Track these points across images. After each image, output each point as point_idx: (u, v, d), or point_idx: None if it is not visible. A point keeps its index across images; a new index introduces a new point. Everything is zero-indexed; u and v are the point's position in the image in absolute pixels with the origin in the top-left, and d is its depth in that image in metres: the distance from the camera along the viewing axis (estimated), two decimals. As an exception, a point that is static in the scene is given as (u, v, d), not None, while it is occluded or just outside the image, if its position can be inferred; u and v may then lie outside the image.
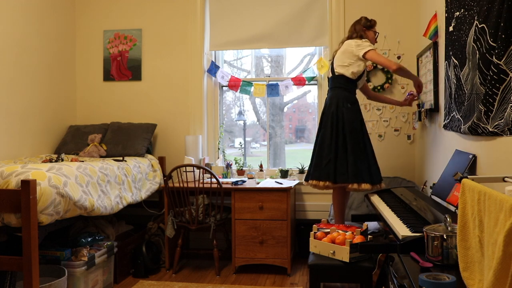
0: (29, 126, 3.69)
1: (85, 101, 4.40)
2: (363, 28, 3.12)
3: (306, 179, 3.17)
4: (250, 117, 4.68)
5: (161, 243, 3.85)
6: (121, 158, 3.50)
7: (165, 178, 3.60)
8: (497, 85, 1.79)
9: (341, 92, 3.04)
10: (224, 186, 3.57)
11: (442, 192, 2.34)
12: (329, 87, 3.17)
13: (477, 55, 2.03)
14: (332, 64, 3.15)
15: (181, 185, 3.57)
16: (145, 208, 3.88)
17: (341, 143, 2.96)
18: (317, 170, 3.02)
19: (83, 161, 3.08)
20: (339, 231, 2.82)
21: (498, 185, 1.66)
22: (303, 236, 3.86)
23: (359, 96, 3.88)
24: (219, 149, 4.28)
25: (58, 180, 2.52)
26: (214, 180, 3.50)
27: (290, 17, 4.06)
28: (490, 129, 1.90)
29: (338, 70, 3.05)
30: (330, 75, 3.16)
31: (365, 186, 2.95)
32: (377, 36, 3.22)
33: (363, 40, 3.04)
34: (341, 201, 3.16)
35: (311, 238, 2.82)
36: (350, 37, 3.12)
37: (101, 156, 3.78)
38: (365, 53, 2.96)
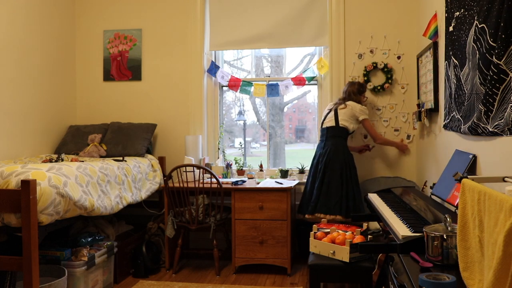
0: (29, 126, 3.69)
1: (85, 101, 4.40)
2: (358, 95, 3.65)
3: (312, 213, 3.45)
4: (250, 117, 4.68)
5: (161, 243, 3.85)
6: (121, 158, 3.50)
7: (165, 178, 3.60)
8: (497, 85, 1.79)
9: (343, 141, 3.59)
10: (224, 186, 3.57)
11: (442, 192, 2.34)
12: (330, 134, 3.59)
13: (477, 55, 2.03)
14: (336, 116, 3.58)
15: (181, 185, 3.57)
16: (145, 208, 3.88)
17: (348, 184, 3.46)
18: (325, 205, 3.42)
19: (83, 161, 3.08)
20: (339, 231, 2.82)
21: (498, 185, 1.66)
22: (303, 236, 3.86)
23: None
24: (219, 149, 4.28)
25: (58, 180, 2.52)
26: (214, 180, 3.50)
27: (290, 17, 4.06)
28: (490, 129, 1.90)
29: (343, 123, 3.56)
30: (327, 125, 3.60)
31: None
32: (366, 100, 3.83)
33: (365, 107, 3.64)
34: None
35: (311, 238, 2.82)
36: (351, 97, 3.63)
37: (101, 156, 3.78)
38: (363, 119, 3.59)
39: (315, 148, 3.75)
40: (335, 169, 3.44)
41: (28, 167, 2.51)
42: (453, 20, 2.48)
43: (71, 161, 3.12)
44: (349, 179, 3.45)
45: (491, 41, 1.85)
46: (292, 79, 4.11)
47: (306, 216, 3.50)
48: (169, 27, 4.24)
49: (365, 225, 2.88)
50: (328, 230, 2.85)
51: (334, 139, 3.55)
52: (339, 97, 3.74)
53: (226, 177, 4.04)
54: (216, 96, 4.33)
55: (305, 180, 3.98)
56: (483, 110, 1.92)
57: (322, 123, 3.67)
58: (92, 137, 3.87)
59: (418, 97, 3.62)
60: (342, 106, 3.59)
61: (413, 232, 1.90)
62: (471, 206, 1.40)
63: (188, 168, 3.69)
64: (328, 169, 3.46)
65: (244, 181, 3.74)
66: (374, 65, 3.86)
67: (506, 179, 1.56)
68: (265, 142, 4.44)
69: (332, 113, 3.60)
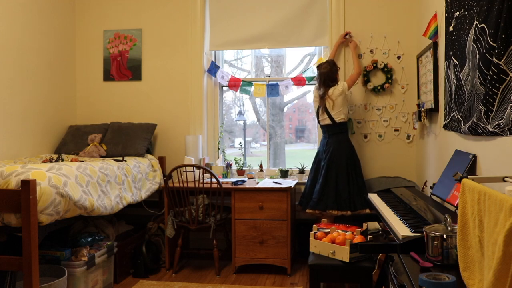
0: (29, 126, 3.69)
1: (85, 101, 4.40)
2: (334, 75, 3.62)
3: (324, 209, 3.45)
4: (250, 117, 4.68)
5: (161, 243, 3.85)
6: (121, 158, 3.50)
7: (165, 178, 3.60)
8: (497, 85, 1.79)
9: (345, 136, 3.61)
10: (224, 186, 3.57)
11: (442, 192, 2.34)
12: (330, 132, 3.59)
13: (477, 55, 2.03)
14: (329, 114, 3.55)
15: (181, 185, 3.57)
16: (145, 208, 3.88)
17: (354, 179, 3.50)
18: (336, 202, 3.43)
19: (83, 161, 3.08)
20: (339, 231, 2.82)
21: (498, 185, 1.66)
22: (303, 236, 3.86)
23: (359, 97, 3.89)
24: (219, 149, 4.28)
25: (58, 180, 2.52)
26: (214, 180, 3.50)
27: (290, 17, 4.06)
28: (490, 129, 1.90)
29: (338, 118, 3.55)
30: (325, 123, 3.60)
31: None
32: (339, 70, 3.76)
33: (340, 84, 3.60)
34: None
35: (311, 238, 2.82)
36: (325, 85, 3.58)
37: (101, 156, 3.77)
38: (348, 87, 3.60)
39: (315, 147, 3.76)
40: (341, 166, 3.47)
41: (28, 167, 2.51)
42: (453, 20, 2.48)
43: (71, 161, 3.12)
44: (355, 174, 3.50)
45: (491, 41, 1.85)
46: (292, 79, 4.11)
47: (308, 211, 3.52)
48: (169, 27, 4.24)
49: (365, 225, 2.88)
50: (328, 230, 2.85)
51: (336, 136, 3.57)
52: (317, 83, 3.67)
53: (226, 177, 4.04)
54: (216, 96, 4.33)
55: (305, 180, 3.99)
56: (483, 110, 1.92)
57: (318, 120, 3.67)
58: (92, 137, 3.87)
59: (418, 97, 3.62)
60: (327, 101, 3.55)
61: (413, 232, 1.90)
62: (471, 206, 1.40)
63: (188, 168, 3.69)
64: (333, 166, 3.48)
65: (244, 181, 3.74)
66: (374, 65, 3.86)
67: (506, 179, 1.56)
68: (265, 142, 4.44)
69: (324, 111, 3.57)
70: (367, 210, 3.45)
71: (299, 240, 3.93)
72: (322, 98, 3.58)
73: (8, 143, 3.45)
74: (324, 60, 4.01)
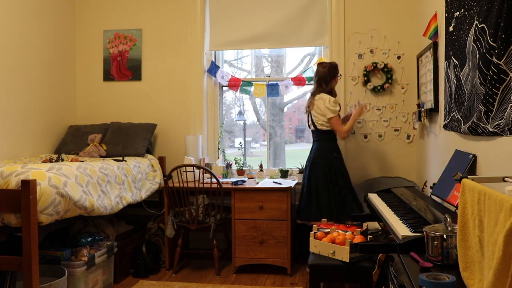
0: (29, 126, 3.69)
1: (85, 101, 4.40)
2: (330, 80, 3.50)
3: (308, 219, 3.45)
4: (250, 117, 4.68)
5: (161, 243, 3.85)
6: (121, 158, 3.50)
7: (165, 178, 3.60)
8: (497, 85, 1.79)
9: (328, 143, 3.51)
10: (224, 186, 3.57)
11: (442, 192, 2.34)
12: (315, 138, 3.57)
13: (477, 55, 2.03)
14: (311, 119, 3.52)
15: (181, 185, 3.57)
16: (145, 208, 3.88)
17: (335, 187, 3.42)
18: (318, 211, 3.40)
19: (83, 161, 3.08)
20: (339, 231, 2.82)
21: (498, 185, 1.66)
22: (303, 236, 3.85)
23: (359, 97, 3.89)
24: (219, 149, 4.28)
25: (58, 180, 2.52)
26: (214, 180, 3.50)
27: (290, 17, 4.06)
28: (490, 129, 1.90)
29: (320, 127, 3.49)
30: (311, 128, 3.58)
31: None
32: (340, 78, 3.62)
33: (334, 103, 3.42)
34: None
35: (311, 238, 2.82)
36: (317, 90, 3.50)
37: (101, 156, 3.77)
38: (330, 119, 3.43)
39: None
40: (319, 174, 3.43)
41: (28, 167, 2.51)
42: (453, 20, 2.48)
43: (71, 161, 3.12)
44: (335, 182, 3.40)
45: (491, 41, 1.85)
46: (292, 79, 4.11)
47: (298, 221, 3.57)
48: (169, 27, 4.24)
49: (365, 225, 2.88)
50: (328, 230, 2.85)
51: (319, 142, 3.53)
52: (313, 86, 3.60)
53: (226, 177, 4.04)
54: (216, 96, 4.33)
55: (305, 180, 3.99)
56: (483, 110, 1.92)
57: (308, 125, 3.64)
58: (92, 137, 3.87)
59: (418, 97, 3.62)
60: (312, 105, 3.49)
61: (413, 232, 1.90)
62: (471, 206, 1.40)
63: (188, 168, 3.69)
64: (313, 174, 3.45)
65: (244, 181, 3.74)
66: (374, 65, 3.86)
67: (506, 179, 1.56)
68: (265, 142, 4.44)
69: (310, 116, 3.55)
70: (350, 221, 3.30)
71: (299, 240, 3.93)
72: (309, 102, 3.54)
73: (8, 143, 3.45)
74: (324, 60, 4.02)
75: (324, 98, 3.44)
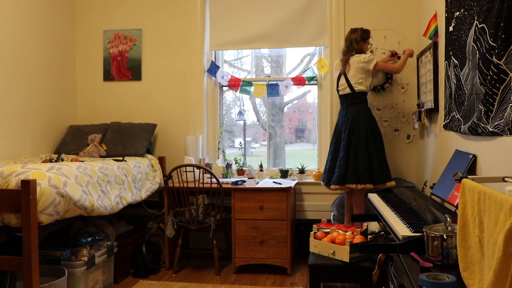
0: (29, 126, 3.69)
1: (85, 101, 4.40)
2: (361, 42, 3.44)
3: (342, 183, 3.30)
4: (250, 117, 4.68)
5: (161, 243, 3.85)
6: (121, 158, 3.50)
7: (165, 178, 3.60)
8: (497, 85, 1.79)
9: (364, 106, 3.44)
10: (224, 186, 3.57)
11: (442, 192, 2.34)
12: (349, 102, 3.43)
13: (477, 55, 2.03)
14: (348, 82, 3.40)
15: (181, 185, 3.57)
16: (145, 208, 3.88)
17: (374, 151, 3.32)
18: (354, 175, 3.27)
19: (83, 161, 3.08)
20: (339, 231, 2.82)
21: (498, 185, 1.66)
22: (303, 236, 3.86)
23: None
24: (219, 149, 4.28)
25: (58, 180, 2.52)
26: (214, 180, 3.50)
27: (290, 17, 4.06)
28: (490, 129, 1.90)
29: (358, 87, 3.38)
30: (344, 92, 3.44)
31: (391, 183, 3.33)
32: (370, 47, 3.63)
33: (368, 55, 3.39)
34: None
35: (311, 238, 2.82)
36: (349, 52, 3.42)
37: (101, 156, 3.77)
38: (375, 66, 3.36)
39: (315, 147, 3.74)
40: (360, 137, 3.31)
41: (28, 167, 2.51)
42: (453, 20, 2.48)
43: (71, 161, 3.12)
44: (375, 146, 3.32)
45: (491, 41, 1.85)
46: (292, 79, 4.11)
47: (332, 186, 3.37)
48: (169, 27, 4.24)
49: (365, 225, 2.88)
50: (328, 230, 2.85)
51: (355, 106, 3.41)
52: (343, 49, 3.53)
53: (226, 177, 4.04)
54: (216, 96, 4.33)
55: (305, 180, 3.99)
56: (483, 110, 1.92)
57: (337, 90, 3.51)
58: (92, 137, 3.87)
59: (418, 97, 3.62)
60: (348, 69, 3.40)
61: (413, 232, 1.90)
62: (471, 206, 1.40)
63: (188, 168, 3.69)
64: (353, 138, 3.33)
65: (244, 181, 3.74)
66: (374, 65, 3.85)
67: (506, 179, 1.56)
68: (265, 142, 4.44)
69: (343, 79, 3.42)
70: (391, 183, 3.30)
71: (299, 240, 3.93)
72: (343, 65, 3.44)
73: (8, 143, 3.45)
74: (324, 60, 4.02)
75: (359, 56, 3.39)
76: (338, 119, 3.52)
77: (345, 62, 3.43)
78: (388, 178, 3.32)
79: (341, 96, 3.50)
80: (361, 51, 3.43)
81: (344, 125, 3.40)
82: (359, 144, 3.30)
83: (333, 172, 3.38)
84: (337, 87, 3.50)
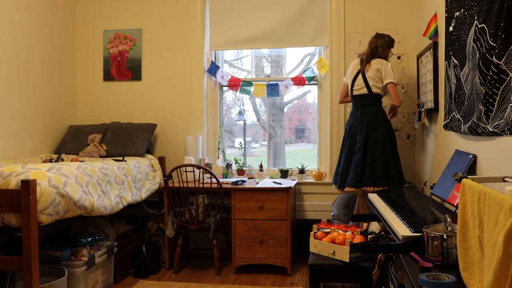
0: (29, 126, 3.69)
1: (85, 101, 4.40)
2: (386, 49, 3.39)
3: (358, 186, 3.24)
4: (250, 117, 4.68)
5: (161, 243, 3.85)
6: (121, 158, 3.50)
7: (165, 178, 3.60)
8: (497, 85, 1.79)
9: (380, 108, 3.38)
10: (224, 186, 3.57)
11: (442, 192, 2.34)
12: (364, 103, 3.35)
13: (477, 55, 2.03)
14: (366, 82, 3.32)
15: (181, 185, 3.57)
16: (145, 208, 3.88)
17: (390, 152, 3.29)
18: (371, 178, 3.22)
19: (83, 161, 3.08)
20: (339, 231, 2.82)
21: (498, 185, 1.66)
22: (303, 236, 3.86)
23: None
24: (219, 149, 4.28)
25: (58, 180, 2.52)
26: (214, 180, 3.50)
27: (290, 17, 4.06)
28: (490, 129, 1.90)
29: (375, 90, 3.32)
30: (360, 92, 3.35)
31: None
32: (391, 56, 3.55)
33: (395, 71, 3.31)
34: None
35: (311, 238, 2.82)
36: (373, 57, 3.35)
37: (101, 156, 3.78)
38: (390, 82, 3.27)
39: (315, 147, 3.73)
40: (378, 139, 3.25)
41: (28, 167, 2.51)
42: (453, 20, 2.48)
43: (71, 161, 3.12)
44: (391, 149, 3.28)
45: (491, 41, 1.85)
46: (292, 79, 4.11)
47: (347, 189, 3.29)
48: (169, 27, 4.24)
49: (365, 225, 2.88)
50: (328, 230, 2.85)
51: (371, 107, 3.33)
52: (363, 52, 3.44)
53: (226, 177, 4.04)
54: (216, 96, 4.33)
55: (305, 180, 3.99)
56: (483, 110, 1.92)
57: (352, 89, 3.41)
58: (92, 137, 3.87)
59: (418, 97, 3.62)
60: (368, 67, 3.32)
61: (413, 232, 1.90)
62: (471, 206, 1.40)
63: (188, 168, 3.69)
64: (370, 140, 3.26)
65: (244, 181, 3.74)
66: (374, 65, 3.85)
67: (506, 179, 1.56)
68: (265, 142, 4.44)
69: (361, 78, 3.35)
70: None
71: (299, 240, 3.93)
72: (363, 64, 3.36)
73: (8, 143, 3.45)
74: (324, 60, 4.02)
75: (384, 62, 3.32)
76: (351, 120, 3.42)
77: (366, 62, 3.36)
78: (404, 181, 3.28)
79: (355, 97, 3.40)
80: (385, 58, 3.39)
81: (359, 127, 3.32)
82: (377, 146, 3.24)
83: (347, 174, 3.30)
84: (352, 86, 3.41)
